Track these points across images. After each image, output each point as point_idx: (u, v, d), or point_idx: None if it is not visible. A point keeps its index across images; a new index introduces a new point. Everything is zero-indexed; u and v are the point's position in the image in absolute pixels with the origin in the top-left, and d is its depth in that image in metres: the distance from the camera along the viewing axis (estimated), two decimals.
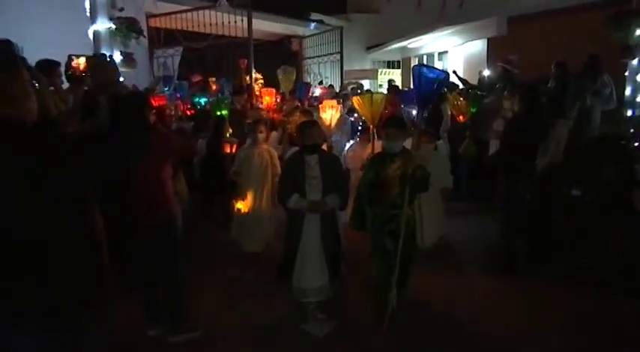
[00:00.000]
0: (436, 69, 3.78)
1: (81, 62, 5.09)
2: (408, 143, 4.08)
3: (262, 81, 10.00)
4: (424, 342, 3.55)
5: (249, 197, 4.89)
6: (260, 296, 4.27)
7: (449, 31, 13.09)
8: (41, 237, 1.57)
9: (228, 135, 5.96)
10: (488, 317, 3.90)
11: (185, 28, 9.89)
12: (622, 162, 4.84)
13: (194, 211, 6.11)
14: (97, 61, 1.99)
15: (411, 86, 12.39)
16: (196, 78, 10.31)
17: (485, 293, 4.35)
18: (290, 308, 3.94)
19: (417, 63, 16.74)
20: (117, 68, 4.54)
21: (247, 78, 9.44)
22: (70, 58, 5.72)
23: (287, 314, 3.92)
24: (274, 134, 6.00)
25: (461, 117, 6.63)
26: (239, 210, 4.91)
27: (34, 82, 1.73)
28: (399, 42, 15.47)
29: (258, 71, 10.23)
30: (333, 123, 5.39)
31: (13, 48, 1.61)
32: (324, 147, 4.43)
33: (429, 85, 3.49)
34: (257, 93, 9.04)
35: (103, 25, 6.64)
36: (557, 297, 4.22)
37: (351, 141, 6.03)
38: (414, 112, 6.70)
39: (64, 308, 1.61)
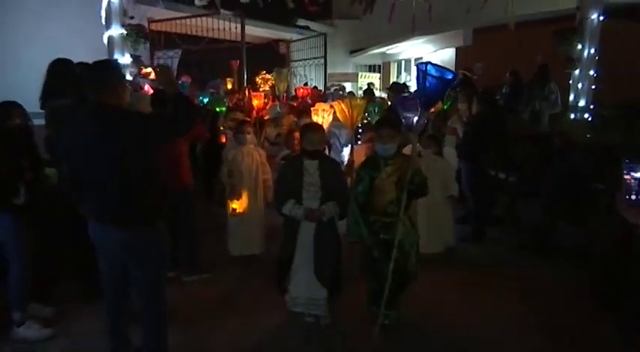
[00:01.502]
0: (443, 68, 3.44)
1: (148, 70, 6.47)
2: (408, 149, 3.97)
3: (273, 81, 10.24)
4: None
5: (244, 197, 4.82)
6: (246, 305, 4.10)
7: (422, 40, 14.04)
8: (127, 175, 2.55)
9: (222, 128, 6.85)
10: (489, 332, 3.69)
11: (183, 32, 10.82)
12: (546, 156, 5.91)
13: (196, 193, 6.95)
14: (161, 67, 3.00)
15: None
16: (186, 78, 11.21)
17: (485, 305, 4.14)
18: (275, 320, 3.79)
19: (395, 68, 17.83)
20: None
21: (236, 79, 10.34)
22: (139, 68, 7.32)
23: (273, 326, 3.74)
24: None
25: (432, 110, 6.91)
26: (234, 210, 4.82)
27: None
28: (378, 48, 16.34)
29: (267, 72, 10.81)
30: (325, 127, 5.20)
31: (119, 64, 2.68)
32: None
33: (433, 85, 3.29)
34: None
35: (116, 31, 7.50)
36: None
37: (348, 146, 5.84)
38: (415, 119, 7.25)
39: (138, 218, 2.65)
